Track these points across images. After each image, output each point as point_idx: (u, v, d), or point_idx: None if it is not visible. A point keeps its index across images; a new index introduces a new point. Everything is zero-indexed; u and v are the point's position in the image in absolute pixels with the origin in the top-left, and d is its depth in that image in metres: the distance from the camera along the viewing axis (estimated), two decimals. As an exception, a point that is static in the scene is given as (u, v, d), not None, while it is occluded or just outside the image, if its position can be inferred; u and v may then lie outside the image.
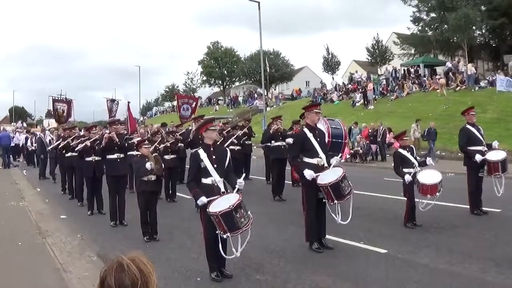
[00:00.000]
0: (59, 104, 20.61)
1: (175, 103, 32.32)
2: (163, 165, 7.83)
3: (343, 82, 40.01)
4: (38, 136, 19.74)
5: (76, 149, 9.92)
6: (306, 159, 6.57)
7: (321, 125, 8.16)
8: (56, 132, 18.28)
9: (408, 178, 7.52)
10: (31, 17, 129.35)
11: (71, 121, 20.32)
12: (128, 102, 15.73)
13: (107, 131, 9.67)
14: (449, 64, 29.17)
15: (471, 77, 25.28)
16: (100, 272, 1.64)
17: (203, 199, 5.37)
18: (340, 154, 7.53)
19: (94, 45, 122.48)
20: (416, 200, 7.68)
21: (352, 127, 21.34)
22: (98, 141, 9.57)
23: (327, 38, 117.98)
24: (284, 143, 10.96)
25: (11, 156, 22.38)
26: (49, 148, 15.79)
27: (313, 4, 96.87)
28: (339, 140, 8.91)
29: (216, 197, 5.41)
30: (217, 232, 5.26)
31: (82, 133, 12.27)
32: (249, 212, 5.35)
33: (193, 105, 16.35)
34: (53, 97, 21.43)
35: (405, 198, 7.81)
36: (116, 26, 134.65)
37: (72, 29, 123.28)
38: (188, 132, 12.03)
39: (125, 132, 11.70)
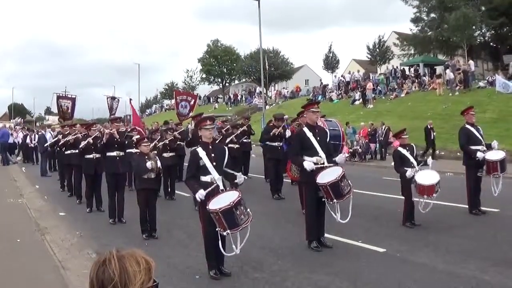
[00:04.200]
0: (63, 101, 20.51)
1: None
2: (158, 162, 7.77)
3: (342, 81, 39.89)
4: (40, 133, 19.67)
5: (80, 146, 9.89)
6: (306, 158, 6.58)
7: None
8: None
9: (409, 173, 7.50)
10: (29, 13, 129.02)
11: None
12: (130, 99, 15.77)
13: (107, 131, 9.65)
14: (447, 64, 29.17)
15: (460, 78, 25.41)
16: None
17: (201, 192, 5.40)
18: (344, 153, 7.53)
19: (93, 42, 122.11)
20: (414, 199, 7.67)
21: (347, 128, 21.33)
22: (100, 139, 9.57)
23: (327, 36, 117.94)
24: (280, 144, 10.97)
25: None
26: (46, 144, 15.76)
27: (314, 0, 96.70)
28: (337, 142, 8.90)
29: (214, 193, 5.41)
30: (217, 229, 5.26)
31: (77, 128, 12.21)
32: (248, 209, 5.36)
33: (192, 103, 16.21)
34: (58, 94, 21.27)
35: (403, 197, 7.81)
36: (115, 22, 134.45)
37: (71, 26, 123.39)
38: (188, 130, 12.01)
39: (125, 130, 11.71)
